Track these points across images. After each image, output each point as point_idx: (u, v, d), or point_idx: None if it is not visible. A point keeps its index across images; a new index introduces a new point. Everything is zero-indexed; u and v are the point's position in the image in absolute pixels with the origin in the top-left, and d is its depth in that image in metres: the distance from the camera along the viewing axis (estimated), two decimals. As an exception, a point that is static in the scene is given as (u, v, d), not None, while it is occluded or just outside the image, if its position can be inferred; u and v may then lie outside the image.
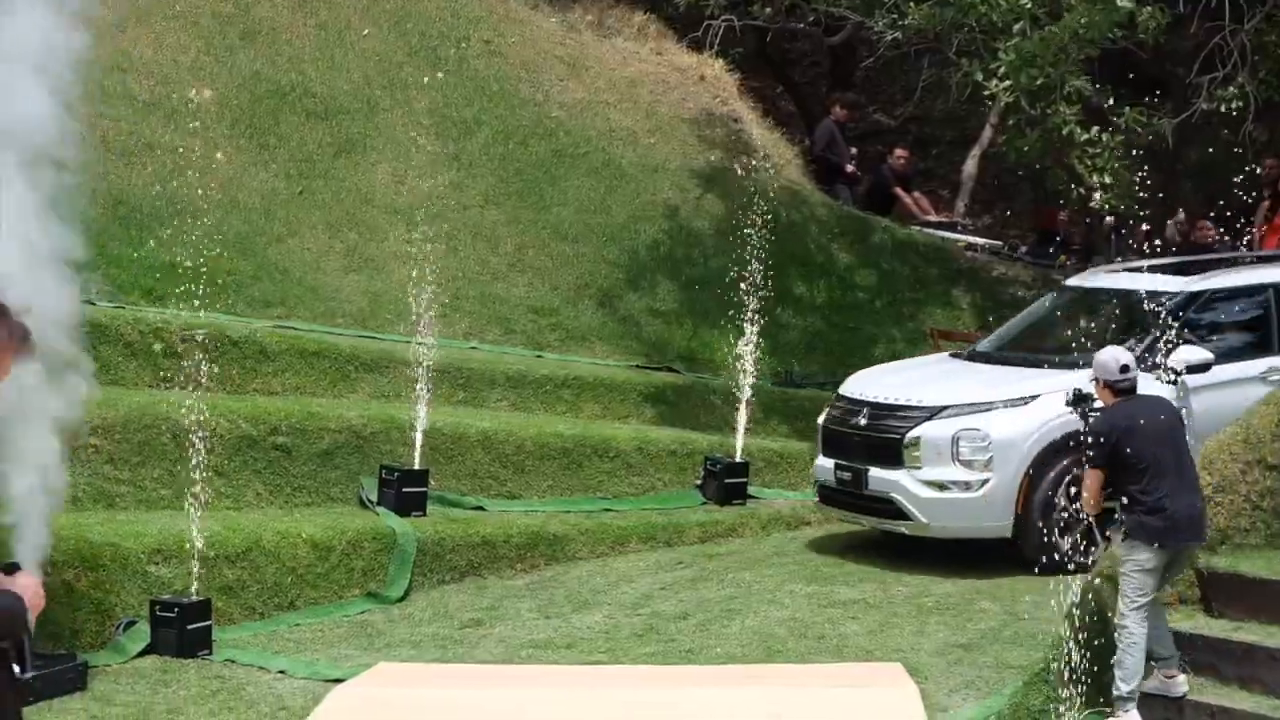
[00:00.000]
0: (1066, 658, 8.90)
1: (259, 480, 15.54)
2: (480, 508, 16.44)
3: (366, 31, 22.90)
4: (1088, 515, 11.51)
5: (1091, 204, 19.65)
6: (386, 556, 15.09)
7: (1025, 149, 20.73)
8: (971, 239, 25.15)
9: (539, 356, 19.61)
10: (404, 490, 15.85)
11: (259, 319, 18.08)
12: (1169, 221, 24.15)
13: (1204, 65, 21.63)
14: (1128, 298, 16.53)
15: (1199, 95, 21.05)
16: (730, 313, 18.31)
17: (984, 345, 17.44)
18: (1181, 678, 11.50)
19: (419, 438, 16.20)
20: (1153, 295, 16.02)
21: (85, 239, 15.43)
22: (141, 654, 12.87)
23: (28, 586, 7.05)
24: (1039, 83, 20.49)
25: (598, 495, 17.34)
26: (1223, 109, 20.23)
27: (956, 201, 27.10)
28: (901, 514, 15.56)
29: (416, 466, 16.12)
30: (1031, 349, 16.94)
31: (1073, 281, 17.99)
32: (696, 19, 25.63)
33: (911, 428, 15.55)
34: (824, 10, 23.18)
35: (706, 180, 22.97)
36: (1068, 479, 14.81)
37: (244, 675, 12.59)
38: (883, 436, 15.76)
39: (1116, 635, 11.11)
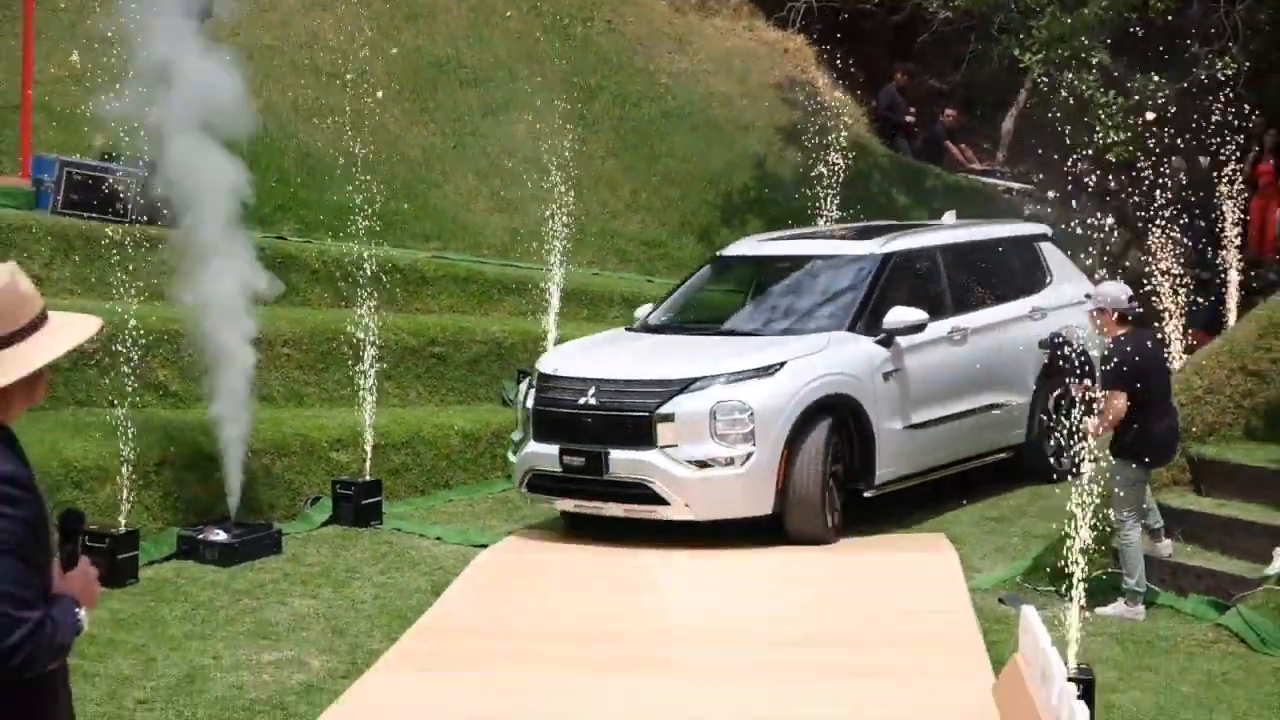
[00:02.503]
0: (1078, 529, 8.90)
1: (419, 383, 15.67)
2: (600, 405, 16.51)
3: (509, 13, 22.94)
4: (1094, 435, 9.36)
5: (1107, 156, 19.38)
6: (523, 445, 15.20)
7: (1053, 110, 20.57)
8: (1008, 183, 25.02)
9: (649, 281, 19.65)
10: (538, 391, 15.92)
11: (419, 250, 18.22)
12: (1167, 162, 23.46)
13: (1203, 39, 21.40)
14: (812, 262, 14.15)
15: (1198, 65, 20.81)
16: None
17: (656, 319, 14.26)
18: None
19: (550, 347, 16.28)
20: (845, 259, 13.87)
21: (280, 187, 15.58)
22: (325, 524, 12.99)
23: (75, 579, 4.61)
24: (1065, 54, 20.38)
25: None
26: (1220, 76, 19.98)
27: (996, 153, 26.91)
28: (657, 498, 12.25)
29: (548, 371, 16.18)
30: (716, 319, 14.18)
31: (733, 251, 15.12)
32: (782, 0, 25.65)
33: (661, 403, 12.22)
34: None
35: (788, 136, 22.92)
36: (832, 446, 12.44)
37: (407, 541, 12.71)
38: (626, 415, 12.31)
39: (1115, 540, 10.76)
